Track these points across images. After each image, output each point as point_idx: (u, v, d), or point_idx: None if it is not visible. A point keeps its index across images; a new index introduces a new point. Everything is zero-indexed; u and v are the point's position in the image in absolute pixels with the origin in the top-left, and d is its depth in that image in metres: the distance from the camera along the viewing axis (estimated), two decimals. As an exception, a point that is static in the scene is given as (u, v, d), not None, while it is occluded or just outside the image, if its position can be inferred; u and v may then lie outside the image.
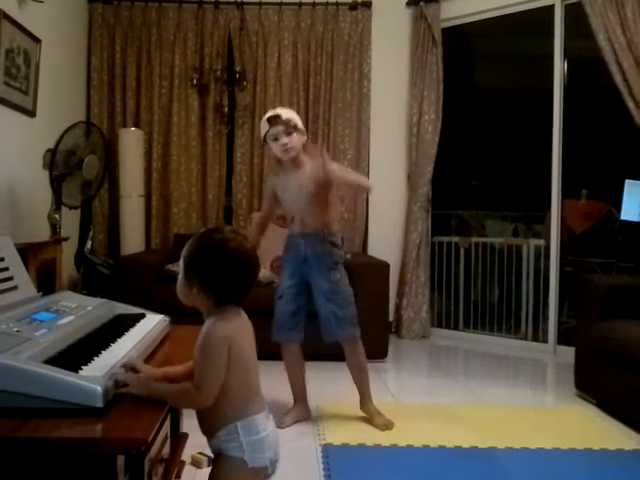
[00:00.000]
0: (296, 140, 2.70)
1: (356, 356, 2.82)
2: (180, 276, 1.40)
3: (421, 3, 4.75)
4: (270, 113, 2.73)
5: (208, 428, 1.38)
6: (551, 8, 4.37)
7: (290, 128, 2.67)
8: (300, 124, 2.75)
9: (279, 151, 2.71)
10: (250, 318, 1.46)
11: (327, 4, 4.82)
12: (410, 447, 2.54)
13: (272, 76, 4.83)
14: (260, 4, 4.81)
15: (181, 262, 1.40)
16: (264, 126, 2.71)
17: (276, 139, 2.68)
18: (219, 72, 4.81)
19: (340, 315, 2.73)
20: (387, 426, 2.73)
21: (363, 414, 2.85)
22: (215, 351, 1.31)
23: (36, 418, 1.15)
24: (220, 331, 1.33)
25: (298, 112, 4.84)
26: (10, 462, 1.13)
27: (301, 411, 2.87)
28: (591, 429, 2.82)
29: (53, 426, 1.14)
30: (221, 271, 1.35)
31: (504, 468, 2.36)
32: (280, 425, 2.65)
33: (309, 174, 2.71)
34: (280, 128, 2.66)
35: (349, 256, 2.83)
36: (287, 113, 2.72)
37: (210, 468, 1.41)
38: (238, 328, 1.38)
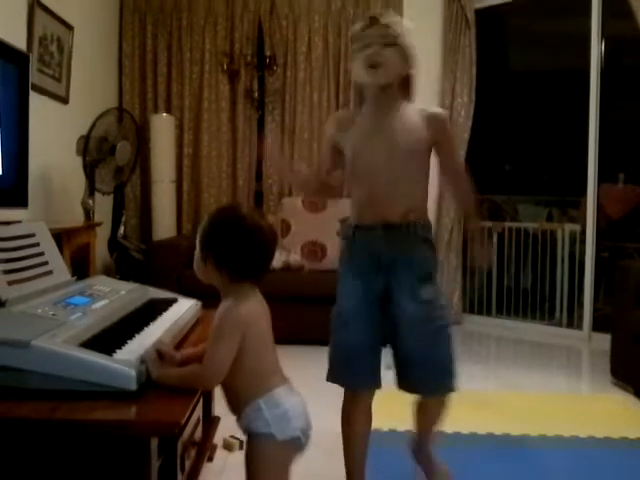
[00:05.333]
0: (393, 58, 1.76)
1: (442, 409, 1.94)
2: (196, 252, 1.41)
3: (454, -17, 4.65)
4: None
5: (234, 408, 1.41)
6: (588, -14, 4.25)
7: (388, 38, 1.75)
8: (407, 40, 1.79)
9: (362, 65, 1.78)
10: (273, 303, 1.45)
11: (358, -14, 4.75)
12: (441, 433, 2.52)
13: (302, 60, 4.79)
14: (290, -13, 4.78)
15: (197, 238, 1.41)
16: (354, 30, 1.84)
17: (364, 49, 1.77)
18: (249, 57, 4.78)
19: (439, 359, 1.81)
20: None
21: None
22: (228, 335, 1.32)
23: (71, 400, 1.17)
24: (237, 316, 1.34)
25: (328, 97, 4.88)
26: (46, 444, 1.15)
27: None
28: (627, 417, 2.76)
29: (88, 408, 1.15)
30: (234, 247, 1.36)
31: (537, 456, 2.33)
32: None
33: (406, 127, 1.80)
34: (374, 33, 1.76)
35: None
36: (391, 18, 1.80)
37: (243, 451, 1.42)
38: (255, 311, 1.39)
